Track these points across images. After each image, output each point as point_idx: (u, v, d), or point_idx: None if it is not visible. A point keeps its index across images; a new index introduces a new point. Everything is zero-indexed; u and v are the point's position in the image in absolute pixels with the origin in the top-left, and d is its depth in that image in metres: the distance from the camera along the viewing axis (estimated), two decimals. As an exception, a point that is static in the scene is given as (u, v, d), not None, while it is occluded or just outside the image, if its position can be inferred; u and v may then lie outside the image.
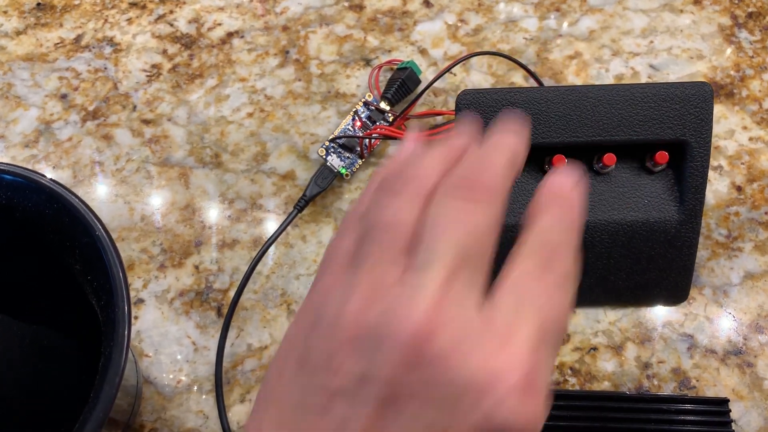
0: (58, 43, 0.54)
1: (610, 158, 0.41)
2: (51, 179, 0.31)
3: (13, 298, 0.34)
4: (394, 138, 0.48)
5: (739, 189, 0.48)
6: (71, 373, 0.36)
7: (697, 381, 0.43)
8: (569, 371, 0.43)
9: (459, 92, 0.40)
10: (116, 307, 0.29)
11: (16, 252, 0.35)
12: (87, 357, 0.37)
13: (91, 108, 0.51)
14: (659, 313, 0.44)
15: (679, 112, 0.40)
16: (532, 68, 0.51)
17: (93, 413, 0.27)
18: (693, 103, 0.40)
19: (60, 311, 0.37)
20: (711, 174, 0.48)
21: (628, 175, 0.42)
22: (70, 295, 0.37)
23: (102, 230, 0.30)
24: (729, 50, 0.52)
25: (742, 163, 0.49)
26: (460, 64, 0.52)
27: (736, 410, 0.41)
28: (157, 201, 0.48)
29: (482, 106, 0.40)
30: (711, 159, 0.48)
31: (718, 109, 0.50)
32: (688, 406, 0.37)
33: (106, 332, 0.31)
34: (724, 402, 0.38)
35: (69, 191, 0.31)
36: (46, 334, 0.35)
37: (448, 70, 0.49)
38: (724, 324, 0.44)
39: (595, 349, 0.44)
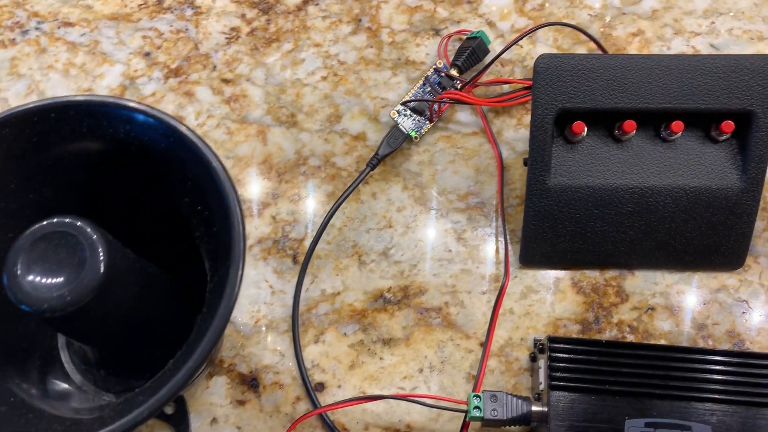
0: (141, 4, 0.57)
1: (677, 125, 0.43)
2: (168, 114, 0.34)
3: (120, 229, 0.37)
4: (464, 102, 0.50)
5: (795, 165, 0.49)
6: (169, 302, 0.39)
7: (751, 344, 0.45)
8: (627, 328, 0.45)
9: (538, 56, 0.42)
10: (232, 229, 0.31)
11: (129, 186, 0.37)
12: (178, 289, 0.40)
13: (173, 66, 0.54)
14: (715, 278, 0.46)
15: (747, 83, 0.42)
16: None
17: (212, 323, 0.30)
18: (762, 74, 0.42)
19: (155, 245, 0.40)
20: (769, 149, 0.50)
21: (694, 143, 0.44)
22: (165, 232, 0.40)
23: (217, 160, 0.33)
24: (788, 33, 0.54)
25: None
26: (527, 36, 0.54)
27: (788, 372, 0.43)
28: (236, 155, 0.50)
29: (559, 71, 0.42)
30: (769, 135, 0.50)
31: (777, 89, 0.52)
32: (744, 360, 0.39)
33: (217, 257, 0.33)
34: (782, 358, 0.40)
35: (184, 125, 0.34)
36: (149, 264, 0.38)
37: (519, 39, 0.51)
38: (778, 291, 0.46)
39: (652, 309, 0.46)
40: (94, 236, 0.31)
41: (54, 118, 0.35)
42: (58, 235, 0.31)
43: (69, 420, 0.32)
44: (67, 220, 0.31)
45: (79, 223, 0.31)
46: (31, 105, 0.34)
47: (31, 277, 0.30)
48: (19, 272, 0.30)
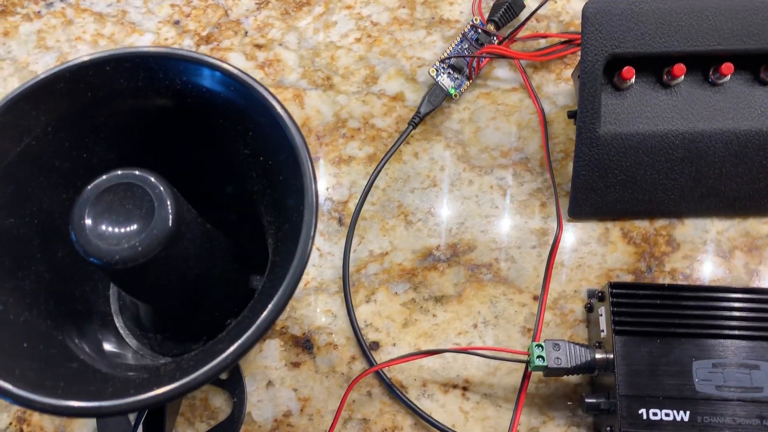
0: (167, -27, 0.56)
1: (727, 67, 0.42)
2: (228, 63, 0.33)
3: (178, 185, 0.36)
4: (505, 56, 0.49)
5: (838, 109, 0.49)
6: (227, 261, 0.38)
7: (804, 287, 0.44)
8: (681, 276, 0.45)
9: (587, 2, 0.42)
10: (303, 176, 0.31)
11: (183, 142, 0.37)
12: (234, 250, 0.40)
13: (204, 33, 0.53)
14: (765, 224, 0.46)
15: (797, 22, 0.41)
16: None
17: (290, 269, 0.29)
18: (812, 12, 0.41)
19: (211, 204, 0.39)
20: (811, 95, 0.49)
21: (743, 87, 0.44)
22: (213, 191, 0.39)
23: (281, 106, 0.32)
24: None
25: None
26: (561, -9, 0.53)
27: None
28: (274, 119, 0.50)
29: (608, 15, 0.42)
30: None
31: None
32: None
33: (284, 207, 0.33)
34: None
35: (246, 74, 0.33)
36: (205, 222, 0.37)
37: (558, -9, 0.50)
38: (829, 234, 0.46)
39: (704, 256, 0.45)
40: (161, 186, 0.31)
41: (109, 71, 0.34)
42: (124, 187, 0.31)
43: (144, 376, 0.31)
44: (133, 171, 0.31)
45: (144, 174, 0.31)
46: (87, 58, 0.33)
47: (101, 229, 0.30)
48: (87, 225, 0.30)
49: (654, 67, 0.44)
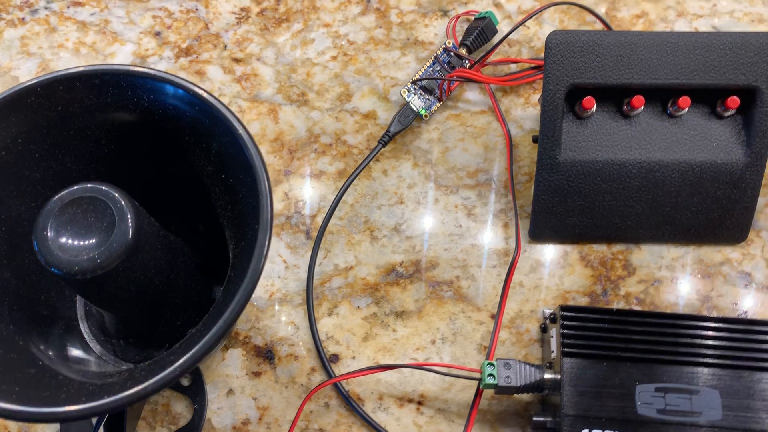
0: (151, -15, 0.57)
1: (684, 101, 0.44)
2: (195, 84, 0.35)
3: (145, 198, 0.37)
4: (474, 81, 0.51)
5: (795, 143, 0.51)
6: (191, 272, 0.40)
7: (754, 315, 0.46)
8: (635, 300, 0.46)
9: (550, 33, 0.43)
10: (260, 195, 0.32)
11: (152, 157, 0.38)
12: (198, 260, 0.41)
13: (183, 45, 0.54)
14: (719, 252, 0.47)
15: (752, 60, 0.43)
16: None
17: (242, 285, 0.31)
18: (765, 51, 0.43)
19: (172, 216, 0.40)
20: (770, 128, 0.51)
21: (700, 119, 0.45)
22: (182, 203, 0.40)
23: (243, 128, 0.33)
24: (788, 16, 0.55)
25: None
26: (534, 18, 0.55)
27: (790, 341, 0.44)
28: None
29: (571, 46, 0.43)
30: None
31: (777, 69, 0.53)
32: (750, 326, 0.40)
33: (243, 223, 0.34)
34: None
35: (210, 94, 0.34)
36: (170, 234, 0.38)
37: (529, 18, 0.52)
38: (780, 264, 0.47)
39: (658, 281, 0.47)
40: (123, 201, 0.32)
41: (79, 87, 0.35)
42: (87, 200, 0.32)
43: (98, 383, 0.32)
44: (95, 185, 0.32)
45: (107, 189, 0.32)
46: (59, 73, 0.35)
47: (62, 240, 0.31)
48: (49, 236, 0.31)
49: (614, 97, 0.45)
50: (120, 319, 0.39)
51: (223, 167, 0.35)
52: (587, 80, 0.43)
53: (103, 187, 0.32)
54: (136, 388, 0.29)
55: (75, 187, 0.32)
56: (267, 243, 0.31)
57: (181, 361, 0.29)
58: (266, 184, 0.32)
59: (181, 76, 0.35)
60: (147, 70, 0.35)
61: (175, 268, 0.37)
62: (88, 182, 0.32)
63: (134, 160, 0.38)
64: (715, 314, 0.46)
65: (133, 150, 0.38)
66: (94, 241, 0.31)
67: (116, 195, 0.32)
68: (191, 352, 0.29)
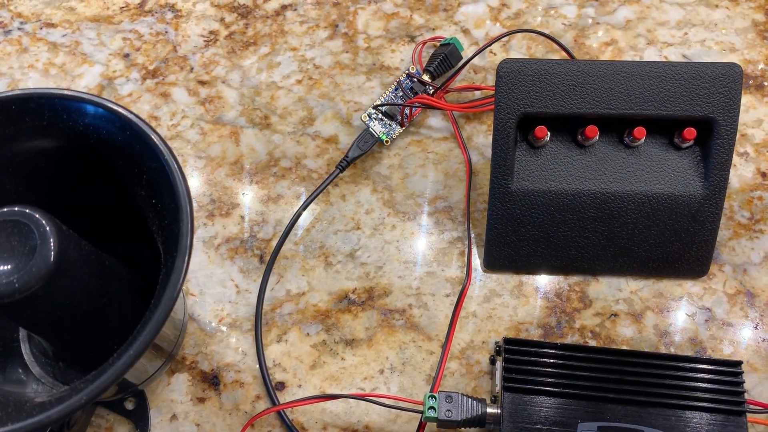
0: (123, 7, 0.58)
1: (640, 132, 0.43)
2: (126, 108, 0.35)
3: (82, 221, 0.37)
4: (435, 107, 0.50)
5: (764, 175, 0.49)
6: (127, 295, 0.39)
7: (713, 351, 0.45)
8: (590, 334, 0.45)
9: (501, 61, 0.43)
10: (181, 222, 0.32)
11: (89, 179, 0.38)
12: (139, 284, 0.41)
13: (151, 67, 0.55)
14: (680, 286, 0.46)
15: (708, 91, 0.42)
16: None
17: (155, 313, 0.30)
18: (722, 82, 0.42)
19: (118, 239, 0.40)
20: (737, 159, 0.50)
21: (657, 150, 0.44)
22: (128, 226, 0.40)
23: (170, 154, 0.33)
24: (762, 45, 0.54)
25: (769, 152, 0.50)
26: (500, 43, 0.54)
27: (749, 381, 0.43)
28: (208, 155, 0.51)
29: (522, 75, 0.42)
30: (737, 145, 0.50)
31: (747, 99, 0.52)
32: (701, 365, 0.39)
33: (168, 248, 0.34)
34: (738, 364, 0.40)
35: (141, 119, 0.34)
36: (106, 257, 0.38)
37: (490, 44, 0.51)
38: (742, 300, 0.46)
39: (615, 315, 0.46)
40: (46, 225, 0.32)
41: (15, 110, 0.35)
42: (11, 224, 0.32)
43: (8, 410, 0.32)
44: (19, 209, 0.32)
45: (31, 212, 0.32)
46: (-8, 97, 0.35)
47: (-20, 264, 0.31)
48: (-31, 259, 0.31)
49: (568, 127, 0.44)
50: (53, 343, 0.39)
51: (152, 192, 0.35)
52: (539, 109, 0.43)
53: (27, 210, 0.32)
54: (37, 417, 0.29)
55: (3, 210, 0.32)
56: (184, 272, 0.31)
57: (87, 390, 0.29)
58: (189, 211, 0.32)
59: (112, 100, 0.35)
60: (79, 94, 0.35)
61: (108, 292, 0.37)
62: (15, 206, 0.32)
63: (74, 184, 0.38)
64: (672, 351, 0.45)
65: (71, 173, 0.38)
66: (12, 265, 0.31)
67: (40, 218, 0.32)
68: (95, 384, 0.29)
